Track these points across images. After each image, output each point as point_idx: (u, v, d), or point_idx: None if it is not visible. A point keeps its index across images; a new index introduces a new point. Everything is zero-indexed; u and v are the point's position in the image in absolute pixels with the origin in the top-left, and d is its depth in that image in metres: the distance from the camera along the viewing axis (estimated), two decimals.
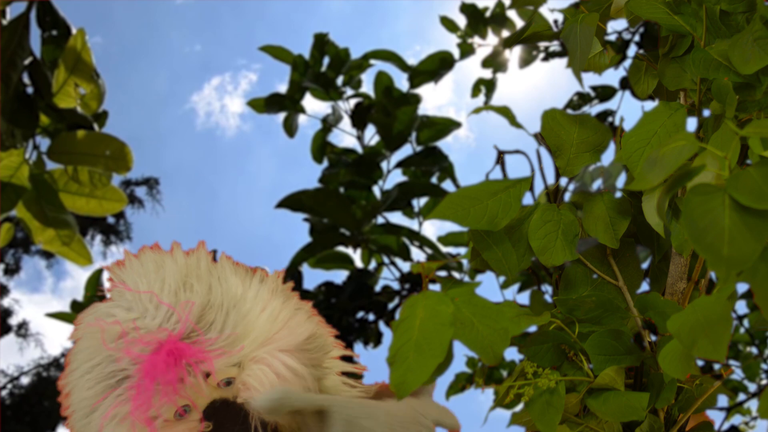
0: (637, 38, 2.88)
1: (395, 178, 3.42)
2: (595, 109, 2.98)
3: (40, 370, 8.06)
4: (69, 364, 0.78)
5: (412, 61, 3.08)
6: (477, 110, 0.81)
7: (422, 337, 0.61)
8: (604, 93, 2.95)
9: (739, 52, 0.70)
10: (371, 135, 2.92)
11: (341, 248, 2.73)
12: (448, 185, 2.83)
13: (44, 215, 2.28)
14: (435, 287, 0.70)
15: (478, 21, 3.01)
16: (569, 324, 0.75)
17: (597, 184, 0.96)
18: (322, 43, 2.90)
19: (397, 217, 2.97)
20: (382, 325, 2.74)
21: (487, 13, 3.02)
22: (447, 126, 2.85)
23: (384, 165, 2.83)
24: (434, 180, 2.88)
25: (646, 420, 0.74)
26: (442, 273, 2.48)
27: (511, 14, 2.98)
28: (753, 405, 2.72)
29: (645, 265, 0.87)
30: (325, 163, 2.94)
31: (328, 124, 2.98)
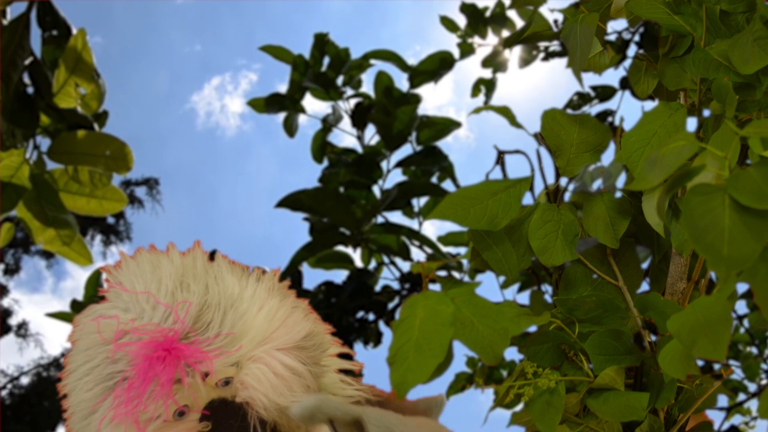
0: (637, 38, 2.88)
1: (395, 177, 3.42)
2: (595, 109, 2.99)
3: (40, 370, 8.06)
4: (67, 366, 0.78)
5: (412, 61, 3.08)
6: (477, 110, 0.81)
7: (422, 337, 0.61)
8: (604, 93, 2.95)
9: (739, 52, 0.70)
10: (371, 135, 2.92)
11: (341, 248, 2.73)
12: (448, 185, 2.83)
13: (44, 215, 2.28)
14: (435, 287, 0.70)
15: (478, 21, 3.01)
16: (569, 324, 0.75)
17: (597, 184, 0.96)
18: (322, 43, 2.90)
19: (397, 217, 2.98)
20: (382, 325, 2.74)
21: (487, 13, 3.02)
22: (447, 126, 2.85)
23: (384, 165, 2.83)
24: (434, 180, 2.88)
25: (646, 420, 0.74)
26: (442, 273, 2.48)
27: (511, 14, 2.98)
28: (753, 405, 2.72)
29: (645, 265, 0.87)
30: (325, 163, 2.94)
31: (328, 124, 2.98)
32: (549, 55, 3.00)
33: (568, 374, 0.75)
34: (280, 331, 0.77)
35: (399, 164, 2.82)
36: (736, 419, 2.78)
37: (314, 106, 6.64)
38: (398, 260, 2.77)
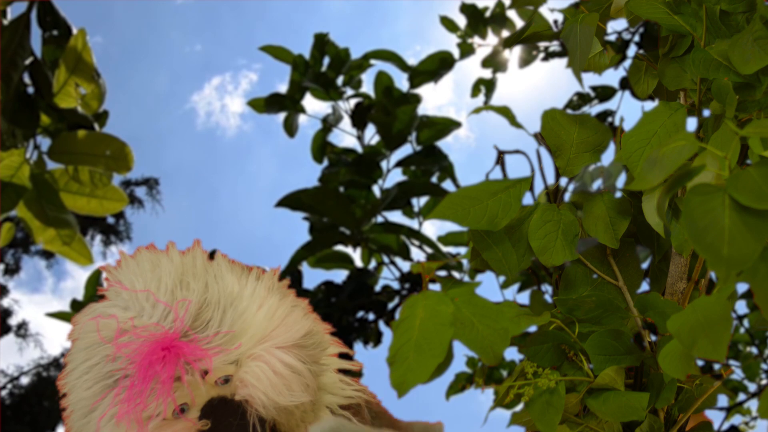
0: (637, 38, 2.88)
1: (395, 177, 3.42)
2: (595, 109, 2.99)
3: (40, 370, 8.06)
4: (67, 365, 0.78)
5: (412, 61, 3.09)
6: (477, 110, 0.81)
7: (422, 337, 0.61)
8: (604, 93, 2.95)
9: (739, 52, 0.71)
10: (371, 135, 2.92)
11: (341, 247, 2.73)
12: (448, 185, 2.84)
13: (45, 215, 2.28)
14: (435, 287, 0.70)
15: (478, 21, 3.01)
16: (569, 324, 0.75)
17: (597, 184, 0.96)
18: (322, 43, 2.90)
19: (396, 217, 2.97)
20: (382, 325, 2.74)
21: (487, 13, 3.02)
22: (447, 126, 2.85)
23: (384, 164, 2.83)
24: (434, 179, 2.88)
25: (646, 420, 0.74)
26: (442, 273, 2.48)
27: (511, 14, 2.98)
28: (753, 405, 2.72)
29: (645, 265, 0.87)
30: (325, 163, 2.94)
31: (328, 123, 2.99)
32: (549, 55, 3.00)
33: (568, 374, 0.75)
34: (280, 329, 0.77)
35: (399, 164, 2.82)
36: (736, 419, 2.78)
37: (314, 106, 6.65)
38: (398, 260, 2.77)
